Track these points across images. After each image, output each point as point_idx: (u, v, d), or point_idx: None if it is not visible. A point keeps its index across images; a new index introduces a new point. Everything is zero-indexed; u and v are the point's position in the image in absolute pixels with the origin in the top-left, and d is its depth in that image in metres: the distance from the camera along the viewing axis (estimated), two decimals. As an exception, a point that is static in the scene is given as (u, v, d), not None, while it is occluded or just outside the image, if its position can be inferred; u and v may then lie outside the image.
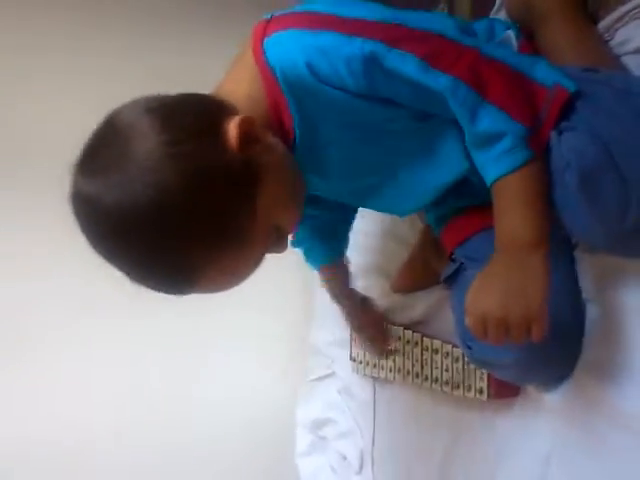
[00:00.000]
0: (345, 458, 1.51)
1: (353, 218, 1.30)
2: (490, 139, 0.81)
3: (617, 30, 0.96)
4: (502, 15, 1.12)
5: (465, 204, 1.05)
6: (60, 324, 1.60)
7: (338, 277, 1.34)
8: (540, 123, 0.81)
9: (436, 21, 0.88)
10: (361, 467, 1.46)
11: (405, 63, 0.81)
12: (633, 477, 0.91)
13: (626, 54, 0.95)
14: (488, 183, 0.84)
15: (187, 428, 1.67)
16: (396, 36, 0.82)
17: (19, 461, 1.55)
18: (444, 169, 0.95)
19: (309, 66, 0.82)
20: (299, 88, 0.84)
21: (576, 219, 0.83)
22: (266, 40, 0.84)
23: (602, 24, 0.98)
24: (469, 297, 0.85)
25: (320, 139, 0.90)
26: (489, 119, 0.80)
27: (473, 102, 0.81)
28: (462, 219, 1.07)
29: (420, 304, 1.38)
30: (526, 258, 0.81)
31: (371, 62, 0.81)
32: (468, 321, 0.84)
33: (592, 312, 0.98)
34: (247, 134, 0.81)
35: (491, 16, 1.16)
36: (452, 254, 1.08)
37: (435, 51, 0.82)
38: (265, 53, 0.84)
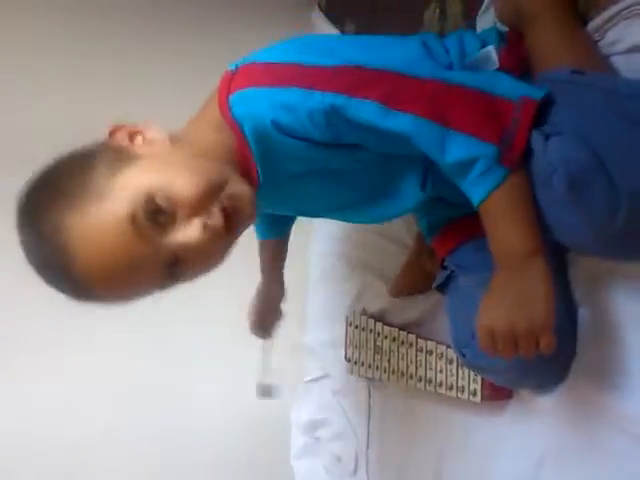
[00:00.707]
0: (340, 459, 1.51)
1: None
2: (464, 167, 0.82)
3: (607, 30, 0.95)
4: (490, 16, 1.11)
5: (455, 214, 1.06)
6: (58, 324, 1.60)
7: (272, 252, 1.38)
8: (511, 138, 0.80)
9: (398, 51, 0.91)
10: (356, 468, 1.46)
11: (365, 111, 0.82)
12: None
13: (616, 54, 0.94)
14: (475, 204, 0.84)
15: (182, 430, 1.67)
16: (353, 83, 0.83)
17: (17, 459, 1.56)
18: (404, 199, 0.97)
19: (274, 122, 0.84)
20: (266, 141, 0.87)
21: (563, 223, 0.82)
22: (231, 97, 0.87)
23: (592, 24, 0.97)
24: (478, 315, 0.85)
25: (282, 183, 0.93)
26: (457, 148, 0.81)
27: (438, 136, 0.81)
28: (452, 228, 1.08)
29: (416, 306, 1.38)
30: (525, 268, 0.81)
31: (332, 114, 0.83)
32: (478, 340, 0.85)
33: (584, 315, 0.98)
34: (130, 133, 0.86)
35: (478, 16, 1.16)
36: (443, 262, 1.09)
37: (393, 91, 0.83)
38: (231, 109, 0.86)
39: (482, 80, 0.85)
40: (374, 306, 1.47)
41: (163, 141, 0.86)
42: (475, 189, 0.82)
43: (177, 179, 0.81)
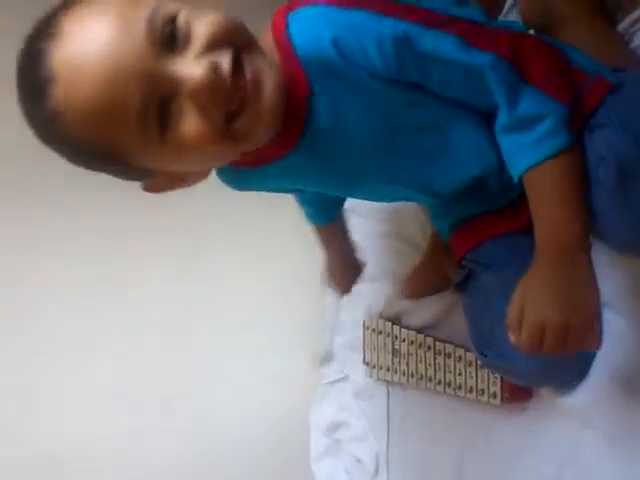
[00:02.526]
0: (360, 461, 1.51)
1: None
2: (529, 121, 0.77)
3: (634, 34, 0.96)
4: (512, 17, 1.12)
5: (480, 211, 1.01)
6: (67, 329, 1.61)
7: (331, 236, 1.34)
8: (578, 108, 0.78)
9: (467, 11, 0.85)
10: (376, 470, 1.46)
11: (442, 42, 0.77)
12: (649, 481, 0.91)
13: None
14: (522, 170, 0.79)
15: (201, 433, 1.67)
16: (430, 18, 0.78)
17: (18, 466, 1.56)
18: (467, 164, 0.91)
19: (335, 42, 0.77)
20: (321, 64, 0.79)
21: (606, 217, 0.80)
22: (290, 14, 0.80)
23: (620, 27, 0.97)
24: (515, 309, 0.79)
25: (336, 121, 0.84)
26: (530, 100, 0.76)
27: (514, 81, 0.77)
28: (473, 225, 1.02)
29: (431, 308, 1.38)
30: (574, 256, 0.77)
31: (403, 43, 0.76)
32: (519, 336, 0.79)
33: (611, 317, 0.97)
34: None
35: (501, 19, 1.16)
36: (462, 260, 1.05)
37: (472, 32, 0.78)
38: (288, 27, 0.79)
39: (559, 43, 0.83)
40: (391, 309, 1.47)
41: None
42: (534, 148, 0.77)
43: (205, 14, 0.73)
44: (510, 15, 1.14)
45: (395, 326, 1.43)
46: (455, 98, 0.84)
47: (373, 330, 1.48)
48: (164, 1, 0.73)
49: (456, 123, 0.87)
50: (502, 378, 1.17)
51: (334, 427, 1.61)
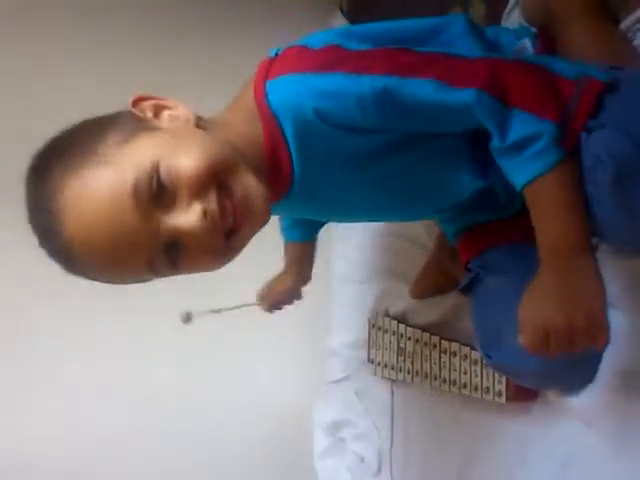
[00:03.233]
0: (363, 460, 1.51)
1: None
2: (521, 144, 0.78)
3: (638, 31, 0.95)
4: (515, 15, 1.11)
5: (485, 219, 1.03)
6: (68, 327, 1.61)
7: (299, 253, 1.34)
8: (569, 117, 0.78)
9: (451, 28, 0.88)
10: (379, 469, 1.46)
11: (422, 89, 0.79)
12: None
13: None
14: (520, 186, 0.80)
15: (204, 431, 1.67)
16: (405, 65, 0.80)
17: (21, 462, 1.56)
18: (454, 189, 0.94)
19: (317, 111, 0.81)
20: (304, 132, 0.83)
21: (606, 219, 0.80)
22: (269, 83, 0.83)
23: (624, 25, 0.97)
24: (523, 313, 0.81)
25: (320, 180, 0.89)
26: (518, 125, 0.78)
27: (499, 110, 0.78)
28: (479, 231, 1.04)
29: (438, 307, 1.38)
30: (576, 261, 0.78)
31: (383, 98, 0.79)
32: (526, 339, 0.80)
33: (615, 317, 0.97)
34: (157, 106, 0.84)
35: (504, 16, 1.16)
36: (468, 264, 1.06)
37: (448, 69, 0.80)
38: (267, 96, 0.83)
39: (538, 59, 0.84)
40: (396, 308, 1.47)
41: (187, 121, 0.84)
42: (527, 166, 0.78)
43: (183, 155, 0.79)
44: (513, 13, 1.14)
45: (401, 324, 1.43)
46: (445, 131, 0.86)
47: (379, 328, 1.48)
48: (148, 153, 0.78)
49: (440, 155, 0.90)
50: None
51: (337, 426, 1.61)
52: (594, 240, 0.97)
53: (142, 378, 1.64)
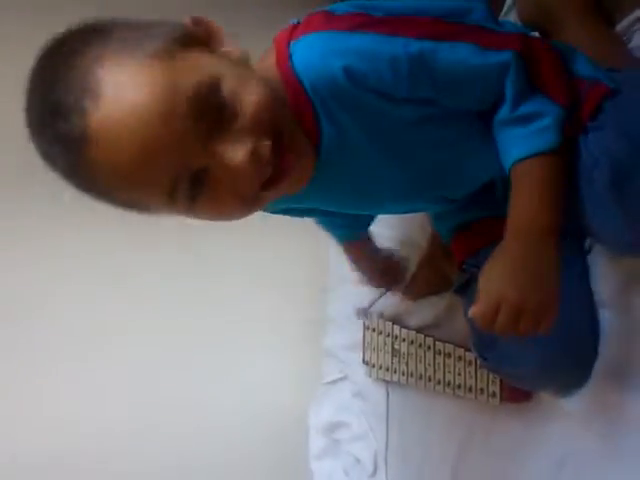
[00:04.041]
0: (359, 461, 1.51)
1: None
2: (527, 117, 0.78)
3: (634, 32, 0.96)
4: (512, 17, 1.12)
5: (483, 215, 1.03)
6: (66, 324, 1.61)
7: (359, 251, 1.29)
8: (574, 110, 0.78)
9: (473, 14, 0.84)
10: (375, 470, 1.46)
11: (458, 51, 0.77)
12: (649, 482, 0.91)
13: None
14: (511, 160, 0.79)
15: (198, 432, 1.67)
16: (441, 30, 0.77)
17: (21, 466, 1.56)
18: (478, 173, 0.93)
19: (347, 71, 0.75)
20: (331, 94, 0.77)
21: (602, 219, 0.81)
22: (293, 43, 0.77)
23: (618, 27, 0.97)
24: (482, 281, 0.79)
25: (347, 148, 0.83)
26: (533, 99, 0.77)
27: (524, 80, 0.77)
28: (475, 229, 1.04)
29: (432, 308, 1.38)
30: (541, 243, 0.77)
31: (418, 62, 0.75)
32: (479, 309, 0.78)
33: (609, 317, 0.97)
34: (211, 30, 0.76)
35: (500, 19, 1.16)
36: (462, 264, 1.05)
37: (485, 36, 0.78)
38: (291, 57, 0.77)
39: (562, 47, 0.83)
40: (391, 309, 1.47)
41: (246, 59, 0.76)
42: (527, 142, 0.78)
43: (248, 85, 0.71)
44: (509, 15, 1.14)
45: (395, 326, 1.43)
46: (463, 108, 0.84)
47: (373, 330, 1.48)
48: (209, 66, 0.70)
49: (465, 135, 0.87)
50: (501, 378, 1.18)
51: (333, 427, 1.61)
52: (587, 241, 0.98)
53: (135, 379, 1.63)
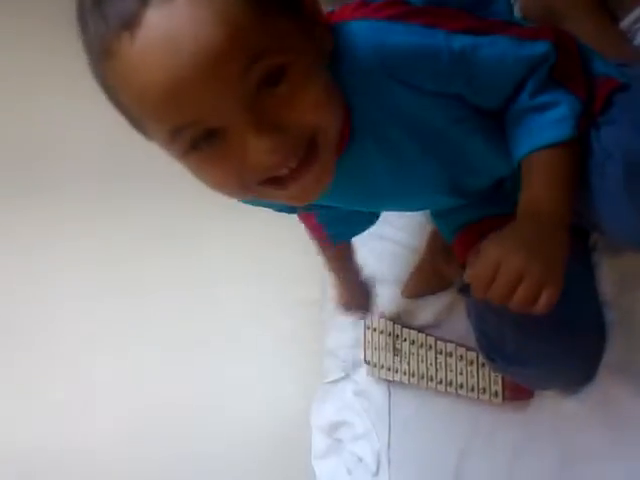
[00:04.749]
0: (361, 460, 1.51)
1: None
2: (542, 106, 0.78)
3: (637, 31, 0.96)
4: (515, 11, 1.11)
5: (488, 213, 1.01)
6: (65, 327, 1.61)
7: (344, 253, 1.28)
8: (588, 105, 0.79)
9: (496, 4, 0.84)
10: (378, 469, 1.46)
11: (498, 44, 0.76)
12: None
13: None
14: (526, 151, 0.78)
15: (201, 432, 1.67)
16: (477, 24, 0.77)
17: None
18: (498, 167, 0.91)
19: (385, 61, 0.73)
20: (365, 84, 0.75)
21: (613, 213, 0.80)
22: (336, 27, 0.74)
23: (623, 24, 0.97)
24: (483, 248, 0.75)
25: (375, 145, 0.82)
26: (554, 90, 0.78)
27: (547, 71, 0.77)
28: (477, 229, 1.02)
29: (431, 307, 1.39)
30: (552, 226, 0.75)
31: (458, 58, 0.74)
32: (475, 269, 0.74)
33: (614, 316, 0.97)
34: None
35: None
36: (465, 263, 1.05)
37: (518, 29, 0.78)
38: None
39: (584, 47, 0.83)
40: (392, 308, 1.47)
41: (326, 55, 0.72)
42: (544, 133, 0.77)
43: (318, 85, 0.68)
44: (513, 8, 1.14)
45: (396, 325, 1.43)
46: (488, 106, 0.83)
47: (374, 329, 1.48)
48: (288, 42, 0.65)
49: (489, 131, 0.86)
50: (503, 377, 1.18)
51: (335, 426, 1.61)
52: (593, 238, 0.98)
53: (138, 379, 1.64)
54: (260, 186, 0.71)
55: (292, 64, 0.64)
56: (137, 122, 0.68)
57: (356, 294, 1.37)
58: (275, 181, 0.70)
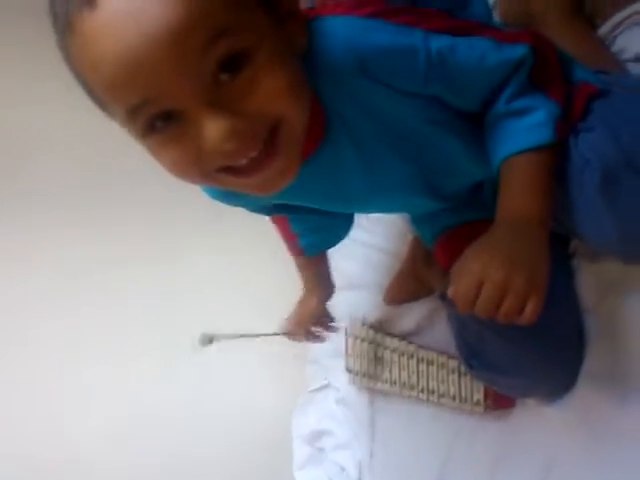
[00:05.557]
0: (343, 469, 1.50)
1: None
2: (520, 111, 0.77)
3: (616, 37, 0.96)
4: (494, 17, 1.12)
5: (469, 218, 1.01)
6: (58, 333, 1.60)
7: (318, 263, 1.25)
8: (566, 109, 0.78)
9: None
10: (360, 478, 1.45)
11: (476, 47, 0.75)
12: (635, 488, 0.91)
13: (626, 62, 0.94)
14: (505, 155, 0.78)
15: (183, 441, 1.67)
16: (456, 25, 0.76)
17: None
18: (475, 170, 0.91)
19: (361, 59, 0.72)
20: (339, 81, 0.74)
21: (591, 220, 0.80)
22: (312, 23, 0.73)
23: (601, 31, 0.97)
24: (461, 262, 0.75)
25: (351, 137, 0.80)
26: (531, 95, 0.77)
27: (526, 75, 0.77)
28: (458, 234, 1.01)
29: (413, 315, 1.38)
30: (531, 229, 0.75)
31: (435, 60, 0.74)
32: (457, 286, 0.73)
33: (594, 323, 0.97)
34: None
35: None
36: (448, 269, 1.04)
37: (497, 31, 0.78)
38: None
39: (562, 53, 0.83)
40: (373, 316, 1.47)
41: (302, 46, 0.70)
42: (518, 138, 0.77)
43: (283, 70, 0.65)
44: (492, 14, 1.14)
45: (378, 333, 1.43)
46: (466, 108, 0.83)
47: (356, 337, 1.47)
48: (254, 28, 0.63)
49: (468, 133, 0.86)
50: (485, 386, 1.17)
51: (317, 435, 1.60)
52: (572, 244, 0.98)
53: (123, 386, 1.63)
54: (219, 174, 0.68)
55: (257, 50, 0.62)
56: (100, 102, 0.66)
57: (315, 312, 1.32)
58: (234, 170, 0.68)
